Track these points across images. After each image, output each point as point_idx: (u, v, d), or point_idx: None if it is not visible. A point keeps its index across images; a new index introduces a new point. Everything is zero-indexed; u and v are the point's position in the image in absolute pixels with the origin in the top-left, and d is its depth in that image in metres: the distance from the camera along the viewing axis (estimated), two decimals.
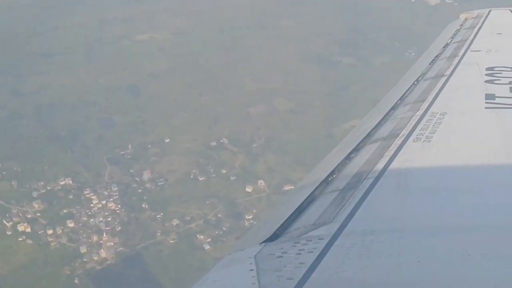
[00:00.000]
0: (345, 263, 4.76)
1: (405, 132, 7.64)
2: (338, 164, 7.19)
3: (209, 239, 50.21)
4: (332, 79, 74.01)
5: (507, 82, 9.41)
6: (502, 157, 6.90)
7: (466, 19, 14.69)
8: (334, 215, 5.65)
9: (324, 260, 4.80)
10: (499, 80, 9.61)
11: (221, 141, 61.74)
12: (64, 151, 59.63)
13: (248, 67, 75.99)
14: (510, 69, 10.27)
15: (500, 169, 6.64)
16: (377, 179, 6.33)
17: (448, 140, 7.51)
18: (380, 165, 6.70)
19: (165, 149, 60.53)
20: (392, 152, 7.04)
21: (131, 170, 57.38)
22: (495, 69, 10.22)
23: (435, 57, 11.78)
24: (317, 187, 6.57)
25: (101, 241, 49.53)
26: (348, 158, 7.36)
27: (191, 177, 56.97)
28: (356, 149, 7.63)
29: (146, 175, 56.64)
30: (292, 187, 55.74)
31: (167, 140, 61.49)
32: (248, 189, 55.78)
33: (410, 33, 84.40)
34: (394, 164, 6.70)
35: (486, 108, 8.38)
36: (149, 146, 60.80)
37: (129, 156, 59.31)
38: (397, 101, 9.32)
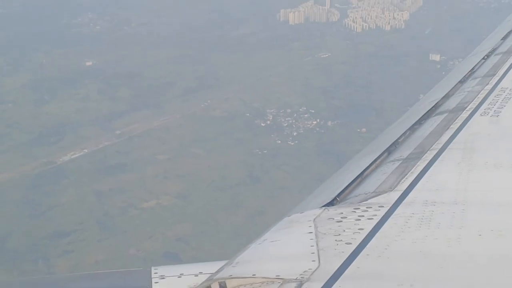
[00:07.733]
0: (404, 232, 4.63)
1: (472, 105, 7.43)
2: (402, 134, 7.03)
3: None
4: None
5: None
6: None
7: None
8: (395, 184, 5.53)
9: (383, 228, 4.69)
10: None
11: None
12: None
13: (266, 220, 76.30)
14: None
15: None
16: (441, 151, 6.17)
17: None
18: (445, 137, 6.53)
19: None
20: (458, 125, 6.87)
21: None
22: None
23: (508, 32, 11.43)
24: (379, 155, 6.45)
25: None
26: (413, 128, 7.21)
27: None
28: (421, 120, 7.44)
29: None
30: None
31: None
32: None
33: None
34: (460, 137, 6.52)
35: None
36: None
37: None
38: (466, 75, 9.06)
